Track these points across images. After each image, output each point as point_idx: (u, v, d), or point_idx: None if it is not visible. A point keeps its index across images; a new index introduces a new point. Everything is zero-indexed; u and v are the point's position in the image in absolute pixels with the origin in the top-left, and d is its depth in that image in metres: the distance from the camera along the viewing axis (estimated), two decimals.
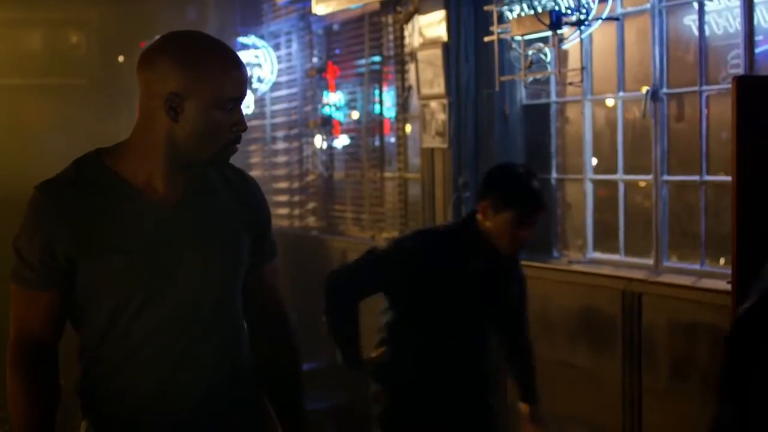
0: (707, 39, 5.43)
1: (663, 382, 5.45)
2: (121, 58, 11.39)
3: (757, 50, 5.13)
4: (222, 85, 2.46)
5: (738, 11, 5.25)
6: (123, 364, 2.58)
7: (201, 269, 2.57)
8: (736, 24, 5.32)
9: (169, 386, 2.58)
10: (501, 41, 6.16)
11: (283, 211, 9.71)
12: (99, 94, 11.21)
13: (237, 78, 2.50)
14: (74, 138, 10.13)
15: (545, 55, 5.78)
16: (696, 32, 5.48)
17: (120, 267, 2.50)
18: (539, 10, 5.43)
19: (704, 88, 5.43)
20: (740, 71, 5.23)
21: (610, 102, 6.10)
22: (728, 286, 4.86)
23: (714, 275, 5.34)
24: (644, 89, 5.67)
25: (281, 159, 9.80)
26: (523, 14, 5.64)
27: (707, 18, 5.42)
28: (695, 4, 5.45)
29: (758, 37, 5.13)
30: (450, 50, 6.63)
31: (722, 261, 5.41)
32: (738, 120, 4.46)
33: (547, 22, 5.32)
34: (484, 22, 6.43)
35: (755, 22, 5.12)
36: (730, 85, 5.08)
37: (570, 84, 5.90)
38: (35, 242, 2.52)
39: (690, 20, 5.55)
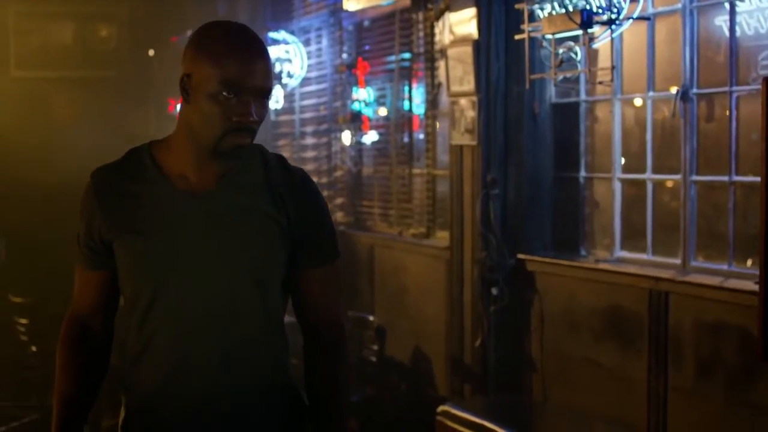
0: (738, 39, 5.43)
1: (689, 381, 5.46)
2: (151, 52, 11.46)
3: None
4: (226, 71, 2.43)
5: (765, 13, 5.26)
6: (139, 353, 2.59)
7: (216, 264, 2.53)
8: (767, 25, 5.32)
9: (171, 385, 2.56)
10: (531, 39, 6.18)
11: None
12: (128, 86, 11.28)
13: (244, 67, 2.45)
14: (103, 130, 10.25)
15: (575, 53, 5.79)
16: (727, 32, 5.48)
17: (136, 250, 2.53)
18: (570, 9, 5.44)
19: (734, 88, 5.44)
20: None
21: (639, 101, 6.10)
22: (755, 287, 4.87)
23: (741, 276, 5.34)
24: (674, 89, 5.68)
25: (310, 154, 9.84)
26: (554, 13, 5.65)
27: (738, 18, 5.42)
28: (726, 5, 5.45)
29: None
30: (480, 48, 6.65)
31: (749, 262, 5.41)
32: (767, 120, 4.47)
33: (579, 21, 5.33)
34: (514, 20, 6.45)
35: None
36: (760, 86, 5.10)
37: (600, 83, 5.91)
38: (83, 224, 2.63)
39: (721, 20, 5.55)
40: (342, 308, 2.70)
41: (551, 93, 6.69)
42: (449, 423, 6.06)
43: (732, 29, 5.42)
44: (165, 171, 2.58)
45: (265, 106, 2.52)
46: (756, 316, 4.66)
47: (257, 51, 2.49)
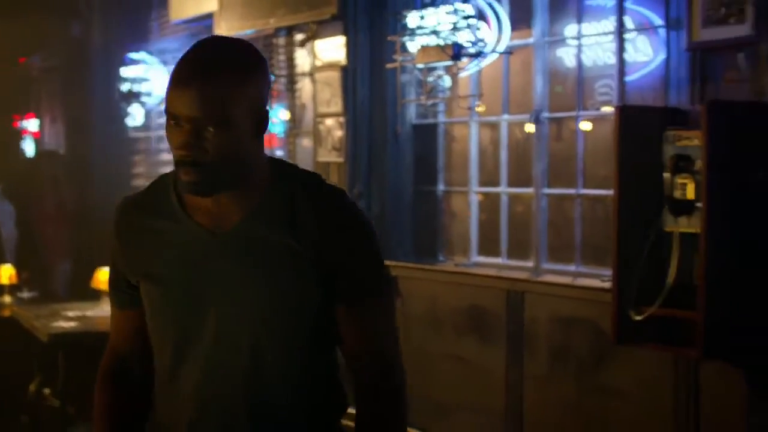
0: (582, 70, 6.25)
1: (543, 369, 6.22)
2: None
3: (627, 79, 5.97)
4: (168, 98, 2.21)
5: (607, 46, 6.09)
6: (161, 397, 2.44)
7: (240, 309, 2.30)
8: (605, 57, 6.17)
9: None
10: (400, 67, 6.89)
11: None
12: None
13: (176, 94, 2.17)
14: None
15: (442, 80, 6.53)
16: (573, 64, 6.30)
17: (156, 296, 2.37)
18: (442, 43, 6.17)
19: (581, 113, 6.26)
20: (609, 99, 6.08)
21: (496, 123, 6.87)
22: (603, 284, 5.69)
23: (588, 275, 6.15)
24: (527, 114, 6.48)
25: (167, 170, 10.25)
26: (426, 45, 6.36)
27: (581, 51, 6.25)
28: (571, 40, 6.28)
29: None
30: (348, 73, 7.31)
31: (594, 264, 6.21)
32: (619, 142, 5.28)
33: (450, 53, 6.06)
34: (378, 48, 7.14)
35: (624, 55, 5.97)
36: (601, 111, 5.95)
37: (469, 108, 6.65)
38: (111, 263, 2.50)
39: (568, 53, 6.37)
40: (396, 350, 2.38)
41: (412, 115, 7.40)
42: None
43: (578, 61, 6.24)
44: (187, 205, 2.33)
45: (213, 139, 2.18)
46: (604, 310, 5.47)
47: (191, 73, 2.17)
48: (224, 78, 2.19)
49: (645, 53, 5.90)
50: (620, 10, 5.94)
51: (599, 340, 5.80)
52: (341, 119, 7.38)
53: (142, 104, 9.94)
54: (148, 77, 9.84)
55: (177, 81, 2.18)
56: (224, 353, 2.31)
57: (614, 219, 5.33)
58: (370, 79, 7.34)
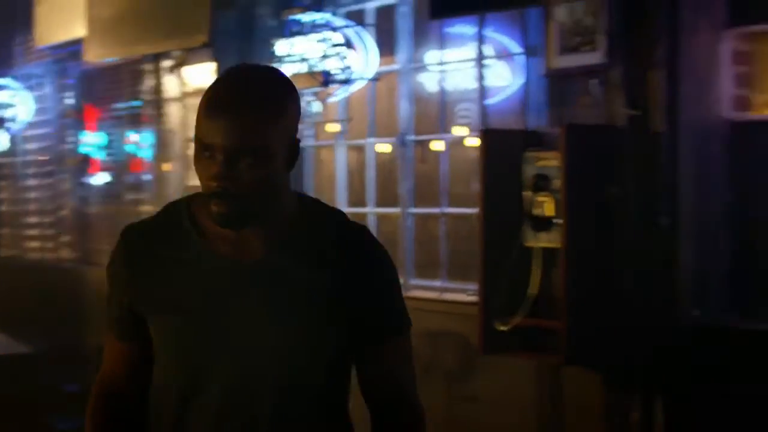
0: (445, 94, 6.58)
1: None
2: None
3: (487, 103, 6.31)
4: (200, 129, 2.11)
5: (468, 72, 6.43)
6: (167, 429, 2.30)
7: (263, 345, 2.20)
8: (466, 82, 6.50)
9: None
10: None
11: (35, 244, 10.21)
12: None
13: (213, 122, 2.08)
14: None
15: (312, 106, 6.77)
16: (436, 88, 6.63)
17: (174, 329, 2.23)
18: (313, 70, 6.42)
19: (444, 135, 6.57)
20: (470, 122, 6.41)
21: (363, 145, 7.14)
22: (469, 298, 6.01)
23: (454, 290, 6.46)
24: (393, 137, 6.78)
25: (33, 195, 10.28)
26: (297, 72, 6.60)
27: (443, 77, 6.58)
28: (435, 67, 6.61)
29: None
30: None
31: (460, 279, 6.52)
32: (484, 163, 5.60)
33: (320, 80, 6.31)
34: None
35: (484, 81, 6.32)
36: (464, 134, 6.29)
37: (339, 132, 6.91)
38: (113, 291, 2.32)
39: (431, 78, 6.70)
40: (415, 388, 2.36)
41: None
42: None
43: (441, 86, 6.57)
44: (206, 234, 2.22)
45: (250, 170, 2.10)
46: (470, 323, 5.77)
47: (229, 100, 2.10)
48: (264, 107, 2.10)
49: (504, 78, 6.26)
50: (480, 38, 6.29)
51: (467, 352, 6.10)
52: None
53: (7, 130, 9.91)
54: (13, 103, 9.82)
55: (214, 109, 2.08)
56: (242, 391, 2.21)
57: (480, 236, 5.65)
58: None
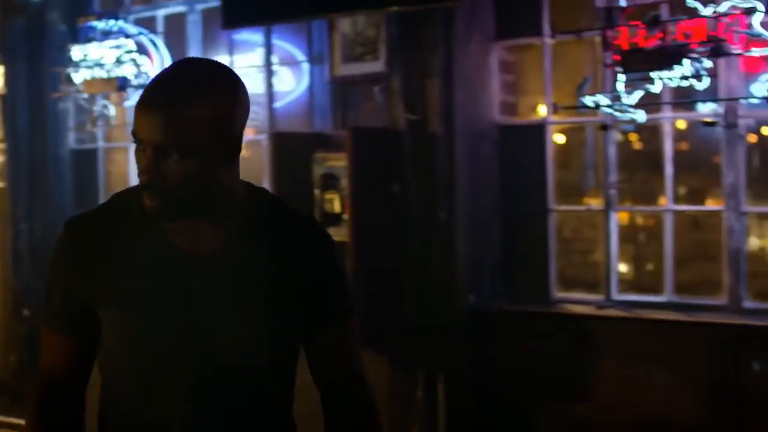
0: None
1: None
2: None
3: (275, 106, 6.71)
4: (134, 121, 2.06)
5: (255, 78, 6.80)
6: (126, 425, 2.25)
7: (226, 339, 2.17)
8: (253, 87, 6.85)
9: None
10: (63, 96, 7.30)
11: None
12: None
13: (140, 118, 2.03)
14: None
15: (106, 109, 7.01)
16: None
17: (135, 326, 2.17)
18: (107, 75, 6.67)
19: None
20: (259, 124, 6.78)
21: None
22: None
23: None
24: None
25: None
26: (93, 77, 6.82)
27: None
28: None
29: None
30: (7, 101, 7.60)
31: None
32: (273, 164, 6.01)
33: (116, 85, 6.57)
34: (39, 78, 7.50)
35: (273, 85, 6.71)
36: (253, 136, 6.65)
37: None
38: (57, 284, 2.23)
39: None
40: (363, 365, 2.34)
41: (71, 141, 7.79)
42: None
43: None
44: (161, 227, 2.17)
45: (174, 166, 2.05)
46: None
47: (154, 96, 2.05)
48: (188, 102, 2.04)
49: (290, 84, 6.67)
50: (268, 46, 6.68)
51: None
52: (0, 146, 7.65)
53: None
54: None
55: (141, 104, 2.04)
56: (203, 384, 2.17)
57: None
58: (30, 108, 7.66)
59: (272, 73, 6.72)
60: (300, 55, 6.61)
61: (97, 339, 2.24)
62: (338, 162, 5.89)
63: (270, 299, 2.19)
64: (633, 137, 5.92)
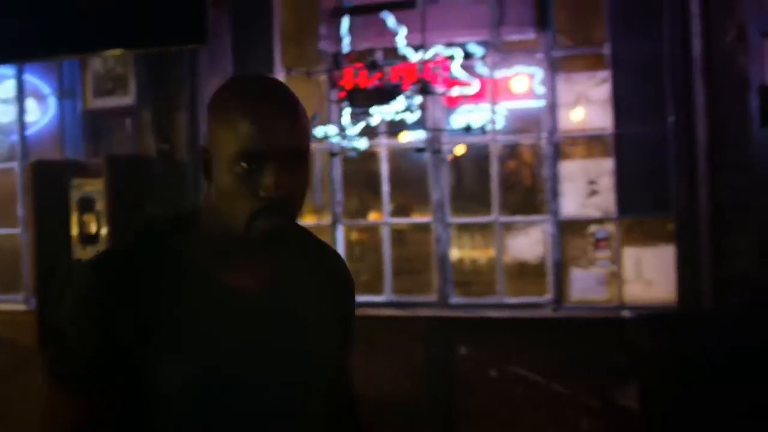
0: None
1: None
2: None
3: (28, 135, 7.26)
4: (241, 134, 1.88)
5: (7, 109, 7.32)
6: None
7: (284, 377, 2.02)
8: (5, 118, 7.38)
9: None
10: None
11: None
12: None
13: (262, 126, 1.89)
14: None
15: None
16: None
17: (196, 371, 1.94)
18: None
19: None
20: (12, 153, 7.30)
21: None
22: (21, 307, 6.92)
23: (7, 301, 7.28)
24: None
25: None
26: None
27: None
28: None
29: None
30: None
31: (6, 291, 7.38)
32: (33, 191, 6.60)
33: None
34: None
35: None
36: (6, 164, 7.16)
37: None
38: (86, 332, 1.93)
39: None
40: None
41: None
42: None
43: None
44: (201, 261, 1.99)
45: (303, 175, 1.95)
46: (23, 327, 6.70)
47: (279, 105, 1.93)
48: (304, 112, 1.97)
49: (43, 115, 7.23)
50: (19, 80, 7.22)
51: (17, 353, 6.97)
52: None
53: None
54: None
55: (268, 113, 1.90)
56: (272, 425, 2.03)
57: (32, 253, 6.61)
58: None
59: (24, 106, 7.24)
60: (47, 89, 7.18)
61: (117, 396, 1.95)
62: (94, 186, 6.52)
63: (319, 332, 2.09)
64: (355, 162, 6.91)
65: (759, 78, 5.07)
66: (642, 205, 6.06)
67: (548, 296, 6.20)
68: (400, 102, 6.02)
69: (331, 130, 6.23)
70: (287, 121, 1.91)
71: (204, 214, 2.00)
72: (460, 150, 6.65)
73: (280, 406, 2.02)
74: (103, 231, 6.45)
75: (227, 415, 1.97)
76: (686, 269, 5.83)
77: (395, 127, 6.38)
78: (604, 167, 6.13)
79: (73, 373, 1.93)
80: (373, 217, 6.92)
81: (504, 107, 6.26)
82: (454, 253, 6.64)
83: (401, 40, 6.09)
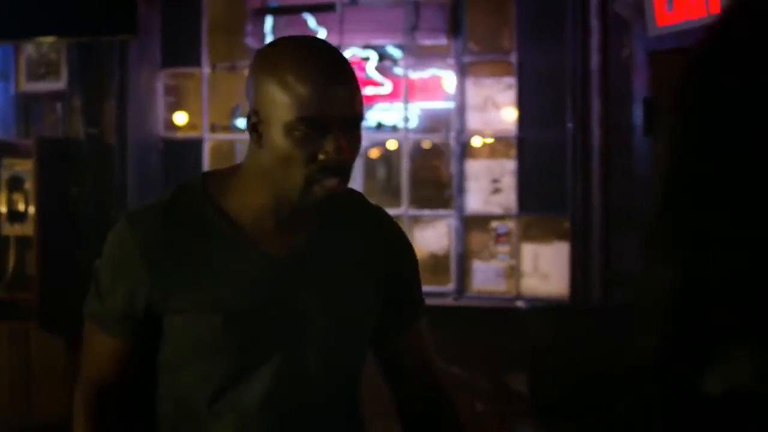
0: None
1: None
2: None
3: None
4: (301, 98, 1.86)
5: None
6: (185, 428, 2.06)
7: (317, 340, 2.01)
8: None
9: None
10: None
11: None
12: None
13: (325, 90, 1.87)
14: None
15: None
16: None
17: (213, 328, 1.97)
18: None
19: None
20: None
21: None
22: None
23: None
24: None
25: None
26: None
27: None
28: None
29: None
30: None
31: None
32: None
33: None
34: None
35: None
36: None
37: None
38: (119, 285, 2.02)
39: None
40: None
41: None
42: None
43: None
44: (236, 224, 2.00)
45: (359, 138, 1.95)
46: None
47: (340, 69, 1.92)
48: (356, 76, 1.97)
49: None
50: None
51: None
52: None
53: None
54: None
55: (331, 77, 1.88)
56: (295, 391, 2.02)
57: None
58: None
59: None
60: None
61: (148, 344, 2.05)
62: (24, 167, 6.80)
63: (354, 301, 2.07)
64: None
65: (642, 92, 5.52)
66: (541, 204, 6.49)
67: (451, 286, 6.61)
68: None
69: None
70: (348, 86, 1.90)
71: (247, 176, 2.00)
72: (372, 146, 7.04)
73: (307, 369, 2.01)
74: (31, 209, 6.74)
75: (249, 378, 1.99)
76: (578, 266, 6.27)
77: None
78: (507, 167, 6.56)
79: (104, 318, 2.03)
80: None
81: (416, 107, 6.66)
82: None
83: None
